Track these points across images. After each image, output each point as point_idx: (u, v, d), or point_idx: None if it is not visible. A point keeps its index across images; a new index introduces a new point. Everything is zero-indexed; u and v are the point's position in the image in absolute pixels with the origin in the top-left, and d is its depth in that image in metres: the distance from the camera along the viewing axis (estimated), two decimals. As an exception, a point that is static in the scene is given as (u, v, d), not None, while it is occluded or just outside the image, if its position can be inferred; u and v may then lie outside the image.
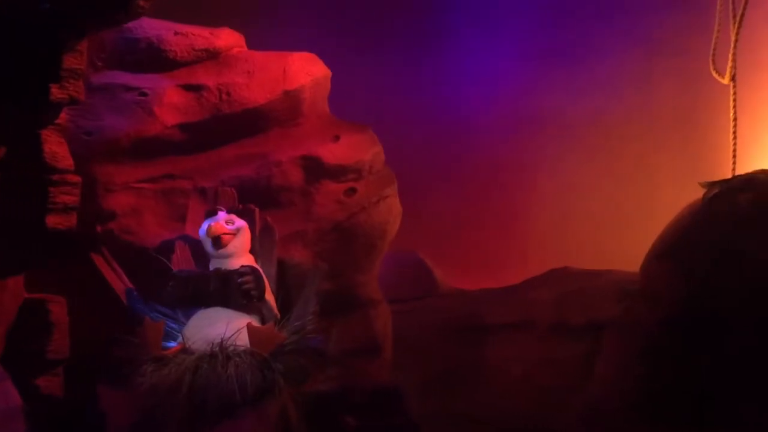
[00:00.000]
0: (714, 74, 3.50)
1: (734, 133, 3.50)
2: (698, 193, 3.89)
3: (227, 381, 2.35)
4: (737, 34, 3.39)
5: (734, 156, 3.49)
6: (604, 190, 4.48)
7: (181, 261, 2.89)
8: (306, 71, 3.28)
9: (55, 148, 2.88)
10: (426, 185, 4.40)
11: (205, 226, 2.78)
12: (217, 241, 2.74)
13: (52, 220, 2.80)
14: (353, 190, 3.25)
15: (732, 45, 3.43)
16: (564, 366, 3.51)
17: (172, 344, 2.62)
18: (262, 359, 2.44)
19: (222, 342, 2.48)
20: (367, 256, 3.36)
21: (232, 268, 2.71)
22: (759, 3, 3.58)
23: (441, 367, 3.76)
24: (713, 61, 3.51)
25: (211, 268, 2.77)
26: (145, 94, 3.09)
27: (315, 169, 3.23)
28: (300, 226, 3.13)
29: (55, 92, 2.76)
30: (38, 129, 2.86)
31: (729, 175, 3.53)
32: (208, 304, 2.67)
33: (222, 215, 2.81)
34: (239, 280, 2.66)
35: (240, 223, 2.81)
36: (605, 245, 4.32)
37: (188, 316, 2.69)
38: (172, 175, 3.13)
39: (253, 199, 3.04)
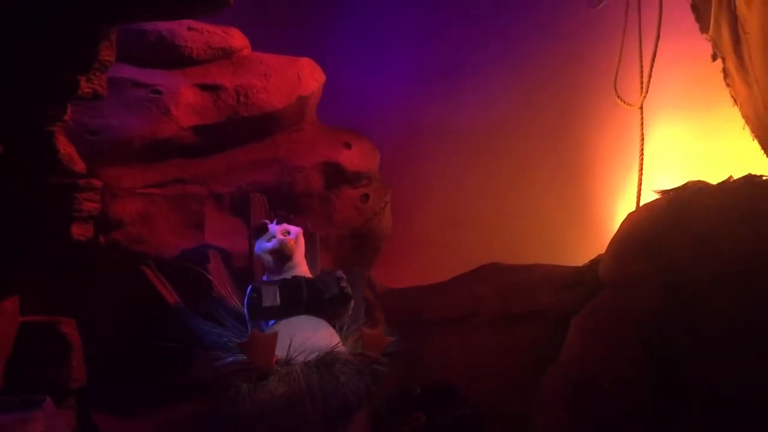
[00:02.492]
0: (618, 101, 3.78)
1: (641, 151, 3.81)
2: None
3: (342, 388, 2.29)
4: (652, 63, 3.65)
5: (641, 171, 3.84)
6: (489, 194, 4.77)
7: (217, 271, 2.69)
8: (314, 77, 3.21)
9: (68, 148, 2.55)
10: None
11: (264, 244, 2.66)
12: (286, 256, 2.63)
13: (77, 230, 2.47)
14: (367, 197, 3.21)
15: (647, 75, 3.68)
16: (511, 352, 3.75)
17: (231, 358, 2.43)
18: (366, 363, 2.40)
19: (331, 349, 2.40)
20: (372, 261, 3.36)
21: (303, 276, 2.62)
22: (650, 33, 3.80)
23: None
24: (615, 88, 3.79)
25: (270, 278, 2.64)
26: (159, 92, 2.80)
27: (335, 176, 3.15)
28: (322, 232, 3.02)
29: (83, 86, 2.46)
30: (46, 126, 2.51)
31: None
32: (298, 312, 2.53)
33: (276, 228, 2.69)
34: (342, 285, 2.59)
35: (294, 229, 2.71)
36: (492, 243, 4.64)
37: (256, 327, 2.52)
38: (183, 179, 2.87)
39: (272, 205, 2.93)
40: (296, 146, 3.13)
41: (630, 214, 3.58)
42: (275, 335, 2.33)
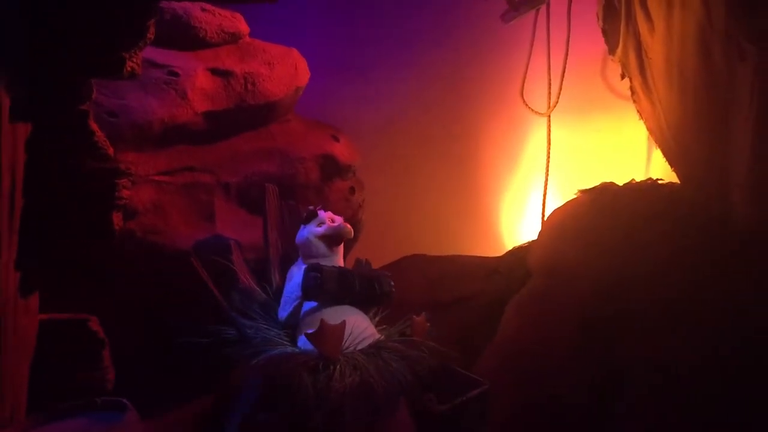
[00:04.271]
0: (527, 107, 4.15)
1: (548, 155, 4.20)
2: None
3: (398, 374, 2.33)
4: (562, 77, 4.01)
5: (547, 173, 4.21)
6: (382, 189, 5.05)
7: (239, 262, 2.61)
8: (305, 68, 3.20)
9: (99, 130, 2.33)
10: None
11: (316, 228, 2.64)
12: (338, 242, 2.64)
13: (117, 220, 2.28)
14: (353, 189, 3.30)
15: (558, 87, 4.03)
16: (443, 337, 4.07)
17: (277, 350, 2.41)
18: (412, 348, 2.48)
19: (381, 339, 2.46)
20: (349, 252, 3.42)
21: (341, 266, 2.64)
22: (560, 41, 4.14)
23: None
24: (522, 94, 4.17)
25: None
26: (176, 74, 2.63)
27: (329, 168, 3.18)
28: (313, 223, 3.04)
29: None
30: (78, 105, 2.27)
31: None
32: (346, 302, 2.53)
33: (324, 214, 2.68)
34: (392, 283, 2.63)
35: (338, 218, 2.72)
36: (391, 236, 4.95)
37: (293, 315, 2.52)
38: (193, 167, 2.73)
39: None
40: (291, 137, 3.11)
41: (556, 210, 4.00)
42: (344, 325, 2.37)
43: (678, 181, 3.65)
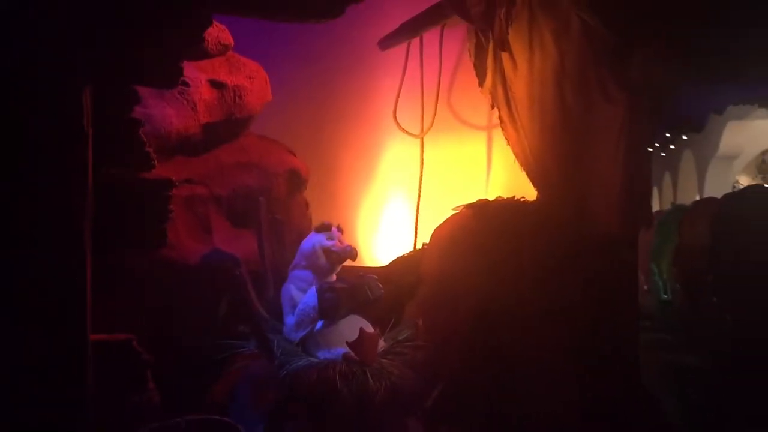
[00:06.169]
0: (400, 128, 4.38)
1: (421, 173, 4.40)
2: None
3: (411, 377, 2.59)
4: (436, 103, 4.30)
5: (420, 189, 4.41)
6: None
7: (244, 276, 2.61)
8: (268, 84, 3.20)
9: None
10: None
11: (326, 241, 2.70)
12: (342, 262, 2.72)
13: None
14: (307, 204, 3.38)
15: (432, 113, 4.31)
16: None
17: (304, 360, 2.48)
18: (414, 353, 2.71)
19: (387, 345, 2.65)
20: None
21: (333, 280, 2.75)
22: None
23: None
24: (395, 116, 4.37)
25: (317, 280, 2.68)
26: (186, 84, 2.51)
27: (293, 182, 3.25)
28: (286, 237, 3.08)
29: (180, 75, 2.18)
30: (128, 114, 2.14)
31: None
32: (352, 312, 2.65)
33: (337, 233, 2.75)
34: (380, 286, 2.75)
35: (347, 243, 2.81)
36: None
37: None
38: (191, 180, 2.64)
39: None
40: (259, 151, 3.13)
41: (443, 223, 4.35)
42: (378, 333, 2.52)
43: (536, 198, 4.19)
